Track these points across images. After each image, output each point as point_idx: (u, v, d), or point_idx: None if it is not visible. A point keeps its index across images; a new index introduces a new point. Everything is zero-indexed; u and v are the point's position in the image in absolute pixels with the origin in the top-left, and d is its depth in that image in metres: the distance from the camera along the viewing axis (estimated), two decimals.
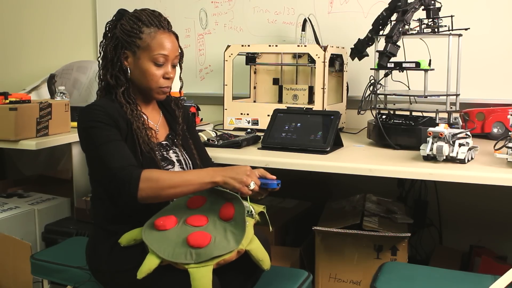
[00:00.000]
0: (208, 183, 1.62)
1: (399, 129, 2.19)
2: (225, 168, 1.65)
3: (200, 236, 1.57)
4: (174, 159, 1.85)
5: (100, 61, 1.83)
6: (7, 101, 2.41)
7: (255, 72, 2.93)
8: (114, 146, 1.65)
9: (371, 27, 2.40)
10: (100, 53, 1.83)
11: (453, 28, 2.20)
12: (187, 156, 1.90)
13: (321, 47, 2.56)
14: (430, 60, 2.24)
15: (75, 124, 2.66)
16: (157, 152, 1.79)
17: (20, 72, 3.84)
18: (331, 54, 2.62)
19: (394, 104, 2.43)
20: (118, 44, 1.78)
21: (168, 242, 1.58)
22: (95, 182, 1.82)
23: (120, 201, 1.64)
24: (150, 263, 1.56)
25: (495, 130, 2.47)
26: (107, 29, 1.83)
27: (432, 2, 2.21)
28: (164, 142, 1.87)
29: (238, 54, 2.75)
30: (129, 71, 1.79)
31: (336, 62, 2.75)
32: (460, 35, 2.19)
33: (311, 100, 2.73)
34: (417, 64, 2.17)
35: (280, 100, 2.84)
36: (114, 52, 1.78)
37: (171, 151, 1.87)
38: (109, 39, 1.80)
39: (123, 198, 1.60)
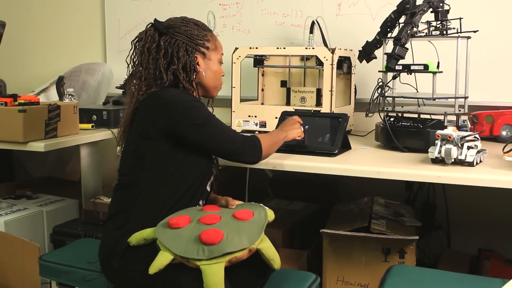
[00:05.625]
0: (284, 139, 2.00)
1: (407, 132, 2.18)
2: (285, 122, 2.09)
3: (213, 233, 1.58)
4: (214, 161, 1.93)
5: (155, 69, 1.83)
6: (16, 103, 2.42)
7: (263, 75, 2.93)
8: (220, 121, 1.82)
9: (379, 30, 2.40)
10: (156, 60, 1.82)
11: (462, 31, 2.20)
12: (216, 162, 1.96)
13: (329, 50, 2.56)
14: (438, 63, 2.24)
15: (83, 126, 2.71)
16: None
17: (29, 74, 3.86)
18: (339, 57, 2.62)
19: (402, 107, 2.42)
20: (187, 48, 1.84)
21: (181, 239, 1.60)
22: (135, 168, 1.79)
23: (246, 162, 1.86)
24: (162, 259, 1.57)
25: (504, 133, 2.46)
26: (161, 41, 1.83)
27: (441, 4, 2.20)
28: None
29: (246, 57, 2.75)
30: (203, 74, 1.90)
31: (344, 64, 2.74)
32: (468, 37, 2.18)
33: (319, 103, 2.73)
34: (426, 67, 2.16)
35: (288, 103, 2.84)
36: (187, 56, 1.84)
37: None
38: (171, 46, 1.83)
39: (249, 160, 1.84)
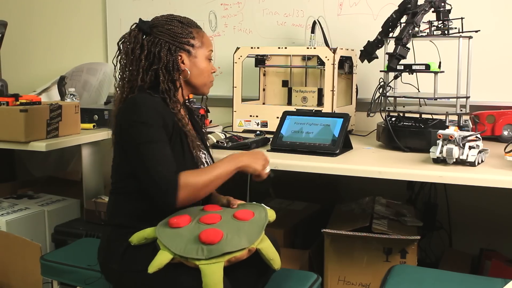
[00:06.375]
0: (234, 170, 1.72)
1: (409, 132, 2.18)
2: (243, 153, 1.79)
3: (212, 233, 1.59)
4: (203, 160, 1.89)
5: (138, 70, 1.78)
6: (18, 102, 2.42)
7: (264, 74, 2.93)
8: (158, 148, 1.66)
9: (380, 29, 2.39)
10: (139, 60, 1.79)
11: (463, 30, 2.19)
12: (210, 159, 1.94)
13: (330, 49, 2.56)
14: (440, 62, 2.24)
15: (85, 125, 2.71)
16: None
17: (31, 74, 3.86)
18: (341, 56, 2.62)
19: (404, 107, 2.42)
20: (170, 48, 1.79)
21: (181, 238, 1.60)
22: (122, 175, 1.79)
23: (157, 205, 1.66)
24: (161, 258, 1.58)
25: (505, 133, 2.45)
26: (145, 42, 1.80)
27: (442, 4, 2.20)
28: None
29: (247, 56, 2.75)
30: (188, 72, 1.83)
31: (345, 64, 2.74)
32: (470, 37, 2.18)
33: (320, 102, 2.73)
34: (427, 67, 2.16)
35: (289, 102, 2.84)
36: (169, 55, 1.78)
37: (200, 152, 1.89)
38: (155, 46, 1.78)
39: (160, 204, 1.64)
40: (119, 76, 1.85)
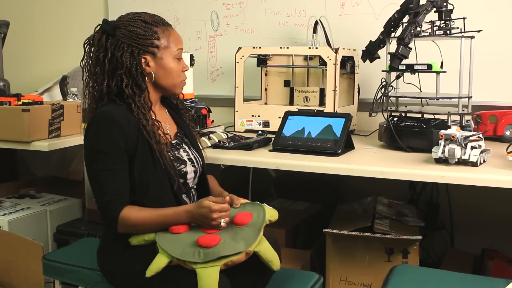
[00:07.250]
0: (182, 222, 1.70)
1: (411, 132, 2.18)
2: (194, 212, 1.66)
3: (210, 238, 1.61)
4: (185, 158, 1.86)
5: (103, 75, 1.74)
6: (20, 102, 2.43)
7: (266, 74, 2.93)
8: (108, 177, 1.68)
9: (382, 29, 2.39)
10: (103, 65, 1.74)
11: (465, 30, 2.19)
12: (196, 154, 1.92)
13: (332, 49, 2.56)
14: (442, 62, 2.23)
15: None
16: (169, 153, 1.78)
17: (33, 74, 3.87)
18: (343, 56, 2.62)
19: (406, 106, 2.42)
20: (133, 51, 1.73)
21: (179, 243, 1.62)
22: None
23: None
24: (159, 262, 1.59)
25: (507, 133, 2.45)
26: (108, 44, 1.74)
27: (444, 4, 2.20)
28: (174, 141, 1.88)
29: (249, 56, 2.75)
30: (153, 75, 1.78)
31: (347, 64, 2.74)
32: (472, 37, 2.18)
33: (322, 102, 2.73)
34: (429, 66, 2.16)
35: (291, 102, 2.84)
36: (132, 59, 1.73)
37: (181, 150, 1.87)
38: (118, 50, 1.73)
39: (107, 228, 1.75)
40: (86, 81, 1.79)
